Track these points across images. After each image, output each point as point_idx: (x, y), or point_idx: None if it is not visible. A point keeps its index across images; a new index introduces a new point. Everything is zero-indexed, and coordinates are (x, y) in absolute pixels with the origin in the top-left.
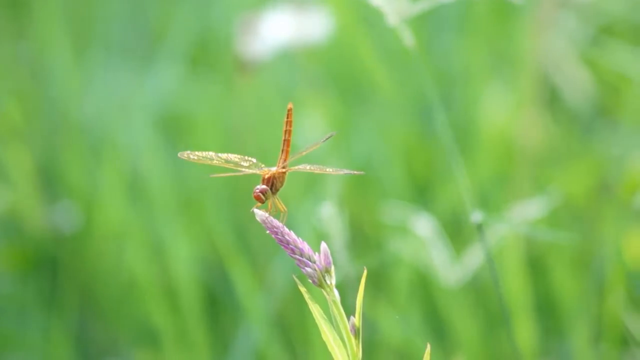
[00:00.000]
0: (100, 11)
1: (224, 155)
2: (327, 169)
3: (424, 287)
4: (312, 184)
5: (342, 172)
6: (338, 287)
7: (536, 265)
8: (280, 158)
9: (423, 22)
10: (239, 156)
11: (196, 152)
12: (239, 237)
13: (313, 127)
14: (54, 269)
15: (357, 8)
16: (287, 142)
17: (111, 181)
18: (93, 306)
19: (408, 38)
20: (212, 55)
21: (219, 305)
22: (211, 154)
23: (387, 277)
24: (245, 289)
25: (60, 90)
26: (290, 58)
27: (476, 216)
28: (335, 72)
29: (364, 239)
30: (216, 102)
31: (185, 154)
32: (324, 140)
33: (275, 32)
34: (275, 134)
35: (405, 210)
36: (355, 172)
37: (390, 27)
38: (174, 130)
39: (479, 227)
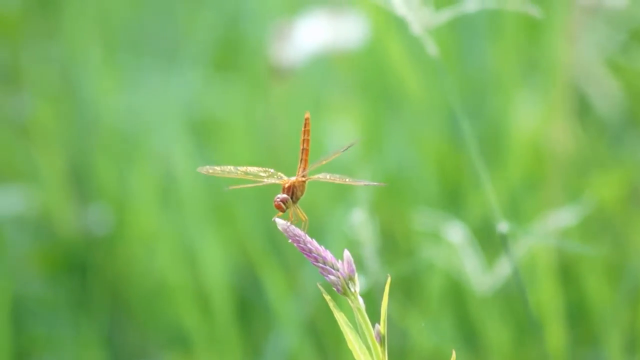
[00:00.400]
0: (129, 12)
1: (243, 168)
2: (346, 179)
3: (456, 294)
4: (343, 191)
5: (361, 183)
6: (369, 293)
7: (568, 273)
8: (300, 167)
9: (455, 29)
10: (257, 168)
11: (214, 167)
12: (270, 241)
13: (345, 133)
14: (85, 271)
15: (390, 15)
16: (305, 151)
17: (143, 184)
18: (124, 309)
19: (431, 47)
20: (241, 59)
21: (250, 309)
22: (230, 167)
23: (419, 284)
24: (276, 294)
25: (92, 91)
26: (323, 64)
27: (502, 227)
28: (368, 78)
29: (395, 246)
30: (247, 106)
31: (204, 169)
32: (344, 150)
33: (309, 37)
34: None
35: (436, 217)
36: (374, 183)
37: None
38: (205, 134)
39: (504, 238)
